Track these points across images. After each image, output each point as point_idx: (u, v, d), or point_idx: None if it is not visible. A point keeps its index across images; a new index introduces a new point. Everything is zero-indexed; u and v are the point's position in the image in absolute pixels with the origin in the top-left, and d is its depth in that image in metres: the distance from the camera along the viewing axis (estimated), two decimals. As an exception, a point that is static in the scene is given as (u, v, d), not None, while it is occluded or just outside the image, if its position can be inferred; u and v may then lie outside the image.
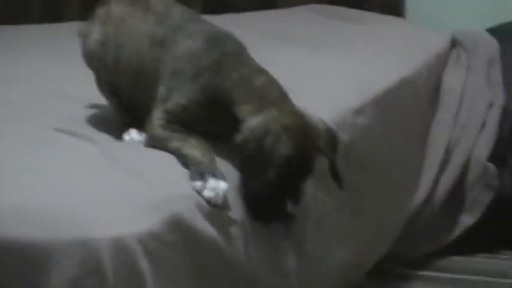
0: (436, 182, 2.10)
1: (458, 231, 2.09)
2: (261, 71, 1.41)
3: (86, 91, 1.76)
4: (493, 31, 2.27)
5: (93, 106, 1.73)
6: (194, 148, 1.38)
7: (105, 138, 1.53)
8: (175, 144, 1.39)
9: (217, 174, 1.32)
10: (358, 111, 1.83)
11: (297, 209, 1.44)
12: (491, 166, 2.09)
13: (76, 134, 1.53)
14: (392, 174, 1.98)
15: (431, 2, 2.47)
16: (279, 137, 1.33)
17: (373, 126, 1.85)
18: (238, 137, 1.34)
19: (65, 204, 1.26)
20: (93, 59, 1.61)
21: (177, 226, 1.30)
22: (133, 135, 1.50)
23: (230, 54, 1.44)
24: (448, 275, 2.06)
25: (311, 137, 1.38)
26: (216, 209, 1.35)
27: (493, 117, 2.15)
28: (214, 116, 1.41)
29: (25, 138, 1.51)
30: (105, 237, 1.21)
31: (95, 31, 1.60)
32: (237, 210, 1.40)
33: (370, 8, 2.41)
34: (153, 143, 1.43)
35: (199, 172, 1.32)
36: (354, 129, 1.76)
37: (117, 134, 1.59)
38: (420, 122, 2.11)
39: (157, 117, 1.43)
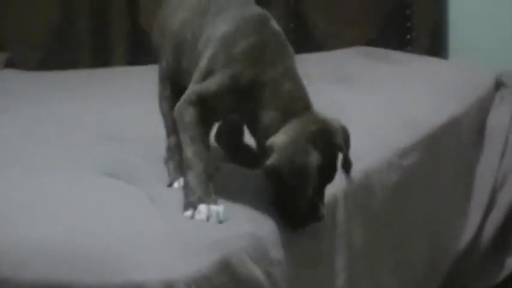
0: (482, 224, 2.12)
1: (504, 273, 2.11)
2: (291, 74, 1.42)
3: (136, 133, 1.81)
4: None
5: (143, 150, 1.73)
6: (198, 157, 1.38)
7: (153, 183, 1.54)
8: (187, 140, 1.40)
9: (208, 201, 1.35)
10: (406, 151, 1.84)
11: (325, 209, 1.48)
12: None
13: (124, 178, 1.56)
14: (439, 214, 1.99)
15: (475, 43, 2.45)
16: (307, 150, 1.36)
17: (420, 165, 1.87)
18: (269, 161, 1.37)
19: (115, 246, 1.27)
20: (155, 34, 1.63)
21: (225, 268, 1.32)
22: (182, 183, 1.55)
23: (269, 45, 1.44)
24: None
25: (333, 140, 1.41)
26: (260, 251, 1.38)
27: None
28: (239, 108, 1.44)
29: (75, 181, 1.54)
30: (156, 280, 1.22)
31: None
32: (280, 252, 1.42)
33: (414, 50, 2.41)
34: (177, 119, 1.45)
35: (191, 204, 1.35)
36: (400, 169, 1.77)
37: (166, 181, 1.58)
38: (465, 163, 2.13)
39: (190, 97, 1.42)
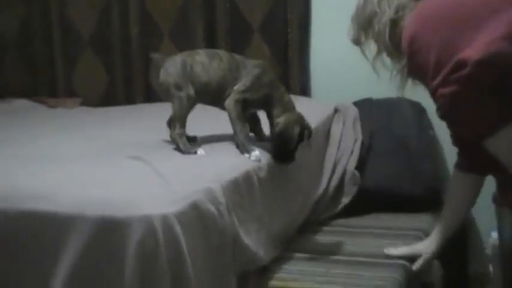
0: (329, 182, 2.76)
1: (341, 206, 2.77)
2: (286, 91, 2.27)
3: (151, 143, 2.34)
4: (354, 103, 3.01)
5: (154, 148, 2.25)
6: (243, 124, 2.19)
7: (160, 162, 2.01)
8: (239, 125, 2.18)
9: (253, 148, 2.13)
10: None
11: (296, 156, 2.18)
12: (356, 172, 2.78)
13: (141, 160, 2.05)
14: (306, 179, 2.56)
15: (323, 90, 3.21)
16: (293, 126, 2.17)
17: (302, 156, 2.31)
18: (276, 128, 2.19)
19: (132, 195, 1.78)
20: (184, 89, 2.18)
21: (195, 208, 1.80)
22: (202, 151, 2.17)
23: (275, 80, 2.26)
24: (343, 229, 2.62)
25: (304, 122, 2.21)
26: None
27: (357, 148, 2.83)
28: (262, 105, 2.24)
29: (112, 162, 2.07)
30: (157, 214, 1.71)
31: (182, 73, 2.19)
32: (223, 198, 1.91)
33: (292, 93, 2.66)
34: (230, 109, 2.19)
35: (245, 149, 2.15)
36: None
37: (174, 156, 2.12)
38: (320, 152, 2.76)
39: (238, 98, 2.20)
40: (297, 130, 2.17)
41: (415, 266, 2.25)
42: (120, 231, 1.70)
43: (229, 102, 2.20)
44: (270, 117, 2.25)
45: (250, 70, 2.22)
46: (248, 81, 2.21)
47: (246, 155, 2.15)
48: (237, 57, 2.28)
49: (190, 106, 2.22)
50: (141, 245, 1.68)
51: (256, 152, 2.17)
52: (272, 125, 2.23)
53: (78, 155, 2.22)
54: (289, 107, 2.24)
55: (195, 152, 2.18)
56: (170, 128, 2.25)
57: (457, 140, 2.06)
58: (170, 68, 2.22)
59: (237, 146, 2.20)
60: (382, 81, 2.04)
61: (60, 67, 3.58)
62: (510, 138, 1.69)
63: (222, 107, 2.24)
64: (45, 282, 1.77)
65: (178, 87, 2.19)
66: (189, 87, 2.19)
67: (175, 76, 2.20)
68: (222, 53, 2.28)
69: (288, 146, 2.19)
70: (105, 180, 1.90)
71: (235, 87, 2.20)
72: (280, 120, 2.19)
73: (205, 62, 2.22)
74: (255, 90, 2.22)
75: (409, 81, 2.01)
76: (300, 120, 2.22)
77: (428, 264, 2.29)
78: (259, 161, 2.16)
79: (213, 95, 2.25)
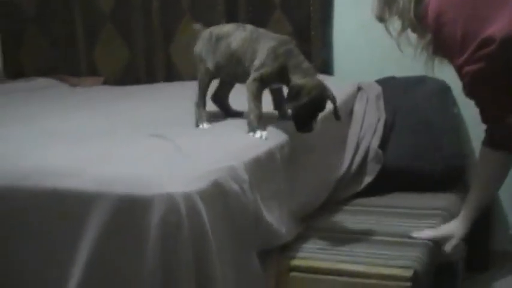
0: (352, 160, 2.74)
1: (364, 185, 2.73)
2: (305, 60, 2.13)
3: (169, 120, 2.35)
4: (377, 81, 2.99)
5: (174, 125, 2.27)
6: (257, 103, 2.11)
7: (180, 139, 2.03)
8: (254, 102, 2.12)
9: (260, 128, 2.07)
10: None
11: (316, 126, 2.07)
12: (379, 151, 2.76)
13: (163, 137, 2.06)
14: (329, 157, 2.58)
15: (349, 67, 3.18)
16: (311, 89, 2.03)
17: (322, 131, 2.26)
18: (293, 86, 2.04)
19: (155, 173, 1.77)
20: (203, 63, 2.22)
21: (217, 186, 1.81)
22: (204, 125, 2.21)
23: (294, 50, 2.13)
24: (365, 208, 2.60)
25: (324, 90, 2.07)
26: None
27: (380, 126, 2.81)
28: (282, 78, 2.12)
29: (134, 139, 2.09)
30: (179, 192, 1.70)
31: (208, 45, 2.22)
32: (246, 175, 1.90)
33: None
34: (249, 88, 2.12)
35: (251, 128, 2.10)
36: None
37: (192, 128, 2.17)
38: (343, 130, 2.75)
39: (256, 76, 2.12)
40: (313, 94, 2.04)
41: (447, 248, 2.22)
42: (143, 209, 1.69)
43: (248, 81, 2.16)
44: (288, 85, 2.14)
45: (267, 42, 2.16)
46: (263, 55, 2.14)
47: (251, 134, 2.12)
48: (261, 30, 2.25)
49: (209, 79, 2.28)
50: (163, 223, 1.67)
51: (263, 132, 2.12)
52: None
53: (101, 133, 2.23)
54: (309, 73, 2.11)
55: (197, 126, 2.22)
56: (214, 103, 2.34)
57: (485, 116, 2.01)
58: (199, 40, 2.30)
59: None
60: (405, 58, 2.06)
61: (81, 43, 3.61)
62: None
63: (243, 81, 2.21)
64: (67, 260, 1.79)
65: (201, 59, 2.27)
66: (210, 60, 2.24)
67: (199, 49, 2.29)
68: (248, 25, 2.28)
69: (303, 109, 2.05)
70: (127, 158, 1.91)
71: (254, 63, 2.16)
72: (301, 81, 2.07)
73: (230, 32, 2.24)
74: (270, 63, 2.13)
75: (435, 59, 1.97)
76: (319, 87, 2.08)
77: (459, 245, 2.26)
78: (264, 140, 2.11)
79: (233, 67, 2.23)
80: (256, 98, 2.14)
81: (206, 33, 2.30)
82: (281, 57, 2.12)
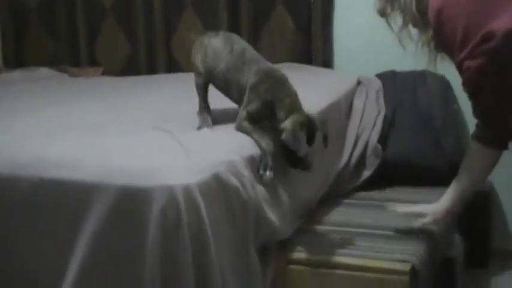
0: (351, 154, 2.76)
1: (363, 179, 2.75)
2: (290, 94, 2.03)
3: (173, 110, 2.38)
4: (378, 75, 3.01)
5: (176, 117, 2.27)
6: (263, 139, 2.02)
7: (181, 133, 2.02)
8: (255, 135, 2.04)
9: (270, 167, 1.97)
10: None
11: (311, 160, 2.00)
12: (378, 145, 2.79)
13: (164, 130, 2.07)
14: (328, 151, 2.37)
15: (349, 61, 3.20)
16: (299, 128, 1.95)
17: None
18: (283, 132, 1.95)
19: (155, 165, 1.78)
20: (197, 69, 2.20)
21: (217, 179, 1.82)
22: (205, 129, 2.16)
23: (275, 84, 2.05)
24: (364, 202, 2.61)
25: (313, 124, 2.00)
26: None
27: (379, 121, 2.84)
28: (267, 115, 2.04)
29: (136, 131, 2.09)
30: (179, 184, 1.72)
31: (200, 53, 2.18)
32: (245, 170, 1.92)
33: (316, 65, 3.11)
34: (241, 130, 2.06)
35: (264, 166, 1.99)
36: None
37: (194, 128, 2.12)
38: (343, 124, 2.76)
39: (242, 116, 2.06)
40: (302, 134, 1.98)
41: (423, 221, 2.18)
42: (142, 201, 1.70)
43: (237, 124, 2.11)
44: (276, 122, 2.06)
45: (251, 76, 2.08)
46: (247, 94, 2.09)
47: (261, 172, 2.03)
48: (250, 55, 2.15)
49: (202, 85, 2.27)
50: (163, 215, 1.68)
51: (268, 174, 2.03)
52: (278, 130, 2.04)
53: (101, 124, 2.23)
54: (295, 108, 2.03)
55: (198, 128, 2.19)
56: None
57: (479, 112, 1.99)
58: (193, 48, 2.29)
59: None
60: (406, 53, 2.02)
61: (82, 35, 3.61)
62: None
63: (232, 100, 2.20)
64: (67, 251, 1.79)
65: (194, 66, 2.26)
66: (200, 67, 2.24)
67: (193, 55, 2.28)
68: (238, 44, 2.18)
69: (297, 153, 2.01)
70: (128, 150, 1.91)
71: (242, 99, 2.11)
72: (285, 125, 1.99)
73: (218, 48, 2.19)
74: (254, 101, 2.07)
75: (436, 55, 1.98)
76: (307, 122, 2.02)
77: (437, 224, 2.22)
78: (269, 179, 2.04)
79: (220, 83, 2.21)
80: (254, 133, 2.08)
81: (199, 42, 2.28)
82: (265, 94, 2.06)
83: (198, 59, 2.24)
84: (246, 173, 1.92)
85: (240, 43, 2.19)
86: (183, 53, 3.33)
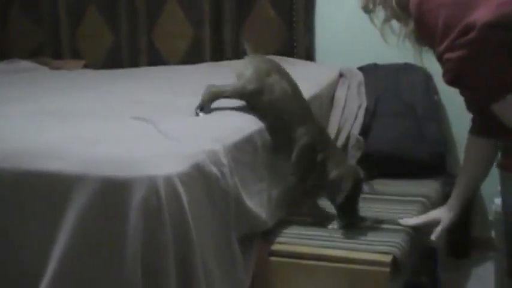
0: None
1: None
2: (335, 147, 2.25)
3: (152, 100, 2.38)
4: (360, 68, 3.03)
5: (156, 107, 2.28)
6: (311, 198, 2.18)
7: (161, 123, 2.02)
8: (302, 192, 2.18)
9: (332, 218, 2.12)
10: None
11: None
12: (360, 138, 2.78)
13: (143, 120, 2.07)
14: None
15: (331, 53, 3.22)
16: (348, 179, 2.11)
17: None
18: (332, 181, 2.12)
19: (136, 155, 1.78)
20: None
21: (197, 169, 1.81)
22: (200, 115, 2.18)
23: (325, 142, 2.18)
24: None
25: (359, 175, 2.16)
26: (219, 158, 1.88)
27: (361, 113, 2.84)
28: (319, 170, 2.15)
29: (115, 121, 2.09)
30: (160, 174, 1.72)
31: (250, 79, 2.17)
32: (225, 159, 1.92)
33: (295, 55, 3.13)
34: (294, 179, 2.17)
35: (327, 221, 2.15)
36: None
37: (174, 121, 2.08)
38: (323, 118, 2.75)
39: (293, 181, 2.18)
40: (350, 183, 2.12)
41: (433, 236, 2.21)
42: (124, 191, 1.70)
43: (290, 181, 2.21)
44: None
45: (302, 136, 2.18)
46: (299, 150, 2.18)
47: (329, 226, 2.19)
48: (305, 104, 2.24)
49: (234, 97, 2.27)
50: (144, 205, 1.68)
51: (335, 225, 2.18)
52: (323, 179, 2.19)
53: (82, 114, 2.23)
54: (340, 162, 2.19)
55: (197, 114, 2.22)
56: None
57: (470, 104, 2.00)
58: (244, 61, 2.29)
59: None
60: (388, 46, 2.02)
61: (64, 25, 3.59)
62: None
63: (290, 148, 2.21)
64: (49, 241, 1.79)
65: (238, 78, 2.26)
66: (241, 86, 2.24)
67: (238, 70, 2.26)
68: (285, 82, 2.22)
69: (347, 200, 2.15)
70: (109, 140, 1.91)
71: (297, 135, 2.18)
72: (335, 174, 2.15)
73: (286, 92, 2.20)
74: (307, 160, 2.18)
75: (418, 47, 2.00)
76: (352, 172, 2.17)
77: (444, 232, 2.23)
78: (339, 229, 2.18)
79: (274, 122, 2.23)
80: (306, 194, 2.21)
81: (255, 72, 2.23)
82: (317, 154, 2.16)
83: (255, 89, 2.21)
84: (226, 162, 1.93)
85: (296, 90, 2.25)
86: (165, 44, 3.35)
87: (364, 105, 2.87)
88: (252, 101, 2.18)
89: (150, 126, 2.03)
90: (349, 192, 2.10)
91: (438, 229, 2.19)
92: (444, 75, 1.82)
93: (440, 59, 1.81)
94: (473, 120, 2.09)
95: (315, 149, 2.13)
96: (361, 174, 2.14)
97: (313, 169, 2.14)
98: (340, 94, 2.89)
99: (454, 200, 2.18)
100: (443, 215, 2.19)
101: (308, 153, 2.13)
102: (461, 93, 1.95)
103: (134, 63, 3.41)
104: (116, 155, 1.80)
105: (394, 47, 1.97)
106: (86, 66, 3.44)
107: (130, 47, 3.42)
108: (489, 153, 2.09)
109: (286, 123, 2.16)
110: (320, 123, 2.20)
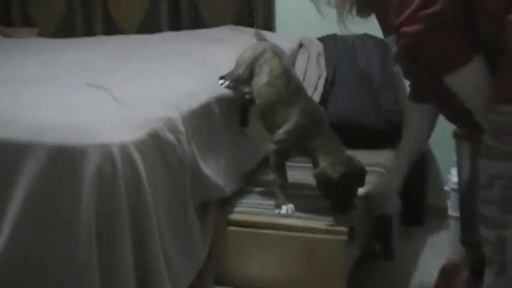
0: None
1: None
2: (330, 136, 2.12)
3: (108, 67, 2.32)
4: (320, 39, 3.03)
5: (109, 73, 2.22)
6: (278, 173, 2.13)
7: (116, 90, 1.98)
8: (273, 169, 2.15)
9: (286, 203, 2.10)
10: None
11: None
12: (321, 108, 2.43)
13: (97, 87, 2.03)
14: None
15: (287, 25, 3.19)
16: (333, 174, 2.04)
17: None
18: (316, 173, 2.06)
19: (90, 122, 1.76)
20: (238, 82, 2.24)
21: (153, 136, 1.82)
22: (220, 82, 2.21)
23: (317, 126, 2.12)
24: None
25: (351, 170, 2.08)
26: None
27: (321, 83, 2.87)
28: (305, 153, 2.12)
29: (70, 88, 2.04)
30: (115, 142, 1.72)
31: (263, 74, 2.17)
32: (182, 127, 1.92)
33: (258, 28, 2.99)
34: (270, 158, 2.15)
35: (277, 204, 2.12)
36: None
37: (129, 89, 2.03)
38: None
39: (275, 149, 2.15)
40: (334, 178, 2.05)
41: (387, 208, 2.27)
42: (77, 159, 1.67)
43: (269, 150, 2.16)
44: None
45: (298, 113, 2.15)
46: (289, 126, 2.15)
47: (277, 210, 2.14)
48: (303, 92, 2.22)
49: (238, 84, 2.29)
50: (98, 173, 1.66)
51: (288, 206, 2.14)
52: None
53: (33, 80, 2.17)
54: (331, 153, 2.11)
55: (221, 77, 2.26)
56: None
57: (407, 73, 1.95)
58: (251, 48, 2.31)
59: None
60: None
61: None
62: (471, 76, 1.64)
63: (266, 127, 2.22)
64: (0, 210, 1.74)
65: (235, 74, 2.30)
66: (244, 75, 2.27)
67: (242, 62, 2.29)
68: (294, 78, 2.22)
69: (334, 192, 2.11)
70: (61, 107, 1.87)
71: (280, 130, 2.15)
72: (321, 168, 2.09)
73: (275, 75, 2.19)
74: (292, 140, 2.16)
75: (355, 16, 1.95)
76: (345, 164, 2.10)
77: (396, 199, 2.28)
78: (291, 214, 2.13)
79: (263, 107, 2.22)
80: (278, 168, 2.15)
81: (253, 53, 2.27)
82: (306, 135, 2.12)
83: (245, 73, 2.24)
84: (183, 129, 1.91)
85: (295, 75, 2.24)
86: (121, 12, 3.28)
87: (324, 75, 2.88)
88: (244, 85, 2.23)
89: (104, 92, 1.99)
90: (338, 193, 2.09)
91: (390, 200, 2.25)
92: (397, 53, 1.78)
93: (395, 32, 1.76)
94: (413, 87, 2.10)
95: (307, 133, 2.11)
96: (355, 165, 2.12)
97: (296, 150, 2.14)
98: (300, 64, 2.88)
99: (398, 167, 2.19)
100: (389, 182, 2.22)
101: (298, 131, 2.11)
102: (407, 64, 1.90)
103: (89, 33, 3.34)
104: (69, 122, 1.77)
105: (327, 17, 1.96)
106: (39, 35, 3.35)
107: (84, 16, 3.35)
108: (431, 117, 2.08)
109: (276, 106, 2.16)
110: (317, 106, 2.21)
